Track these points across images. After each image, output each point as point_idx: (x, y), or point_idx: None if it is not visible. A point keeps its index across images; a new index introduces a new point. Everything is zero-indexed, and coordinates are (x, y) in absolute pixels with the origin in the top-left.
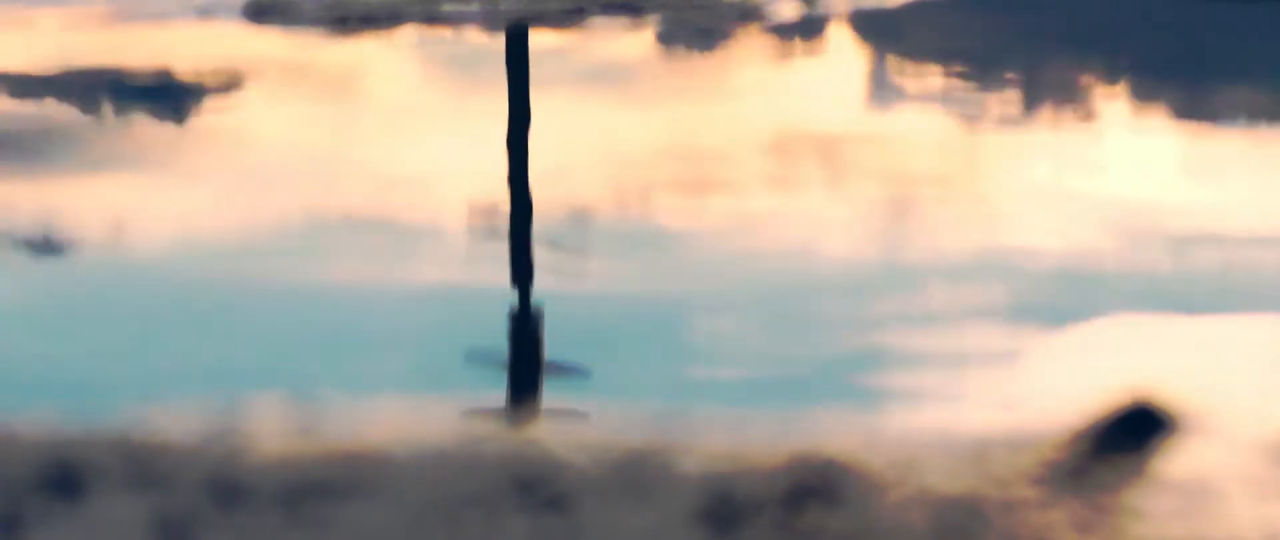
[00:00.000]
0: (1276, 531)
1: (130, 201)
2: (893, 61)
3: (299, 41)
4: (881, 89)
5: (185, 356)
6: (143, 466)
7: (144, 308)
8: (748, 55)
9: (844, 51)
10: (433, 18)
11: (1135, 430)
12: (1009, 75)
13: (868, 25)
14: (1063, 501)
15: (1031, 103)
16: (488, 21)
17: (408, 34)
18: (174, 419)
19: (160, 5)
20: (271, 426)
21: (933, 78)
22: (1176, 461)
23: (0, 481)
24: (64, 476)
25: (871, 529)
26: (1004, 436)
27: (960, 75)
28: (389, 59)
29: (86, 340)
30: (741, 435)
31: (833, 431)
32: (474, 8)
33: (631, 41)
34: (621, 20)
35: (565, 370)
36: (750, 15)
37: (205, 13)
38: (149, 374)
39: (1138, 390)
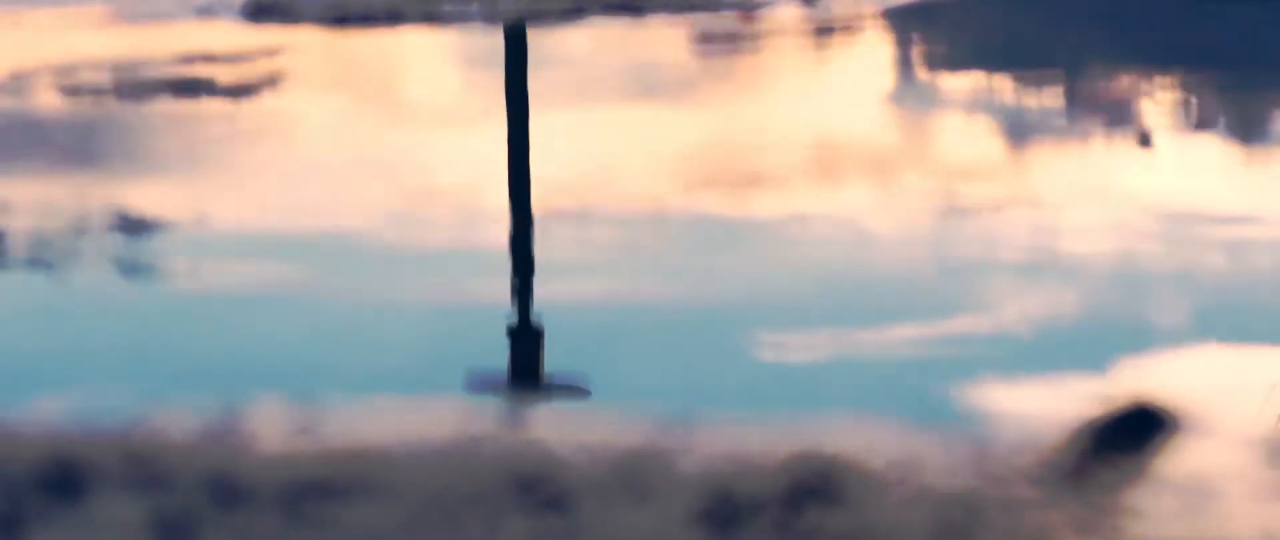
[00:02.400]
0: (1276, 531)
1: (178, 195)
2: (929, 58)
3: (343, 36)
4: (917, 86)
5: (186, 355)
6: (143, 466)
7: (151, 305)
8: (785, 55)
9: (879, 49)
10: (432, 17)
11: (1135, 430)
12: (1048, 71)
13: (902, 22)
14: (1063, 501)
15: (1072, 98)
16: (487, 21)
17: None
18: (174, 419)
19: (160, 5)
20: (271, 426)
21: (970, 75)
22: (1176, 461)
23: (0, 481)
24: (64, 476)
25: (871, 529)
26: (1004, 436)
27: (998, 71)
28: (431, 53)
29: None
30: (741, 435)
31: (833, 431)
32: (473, 7)
33: (667, 40)
34: (622, 19)
35: (565, 387)
36: (752, 15)
37: (205, 13)
38: (149, 374)
39: (1138, 390)
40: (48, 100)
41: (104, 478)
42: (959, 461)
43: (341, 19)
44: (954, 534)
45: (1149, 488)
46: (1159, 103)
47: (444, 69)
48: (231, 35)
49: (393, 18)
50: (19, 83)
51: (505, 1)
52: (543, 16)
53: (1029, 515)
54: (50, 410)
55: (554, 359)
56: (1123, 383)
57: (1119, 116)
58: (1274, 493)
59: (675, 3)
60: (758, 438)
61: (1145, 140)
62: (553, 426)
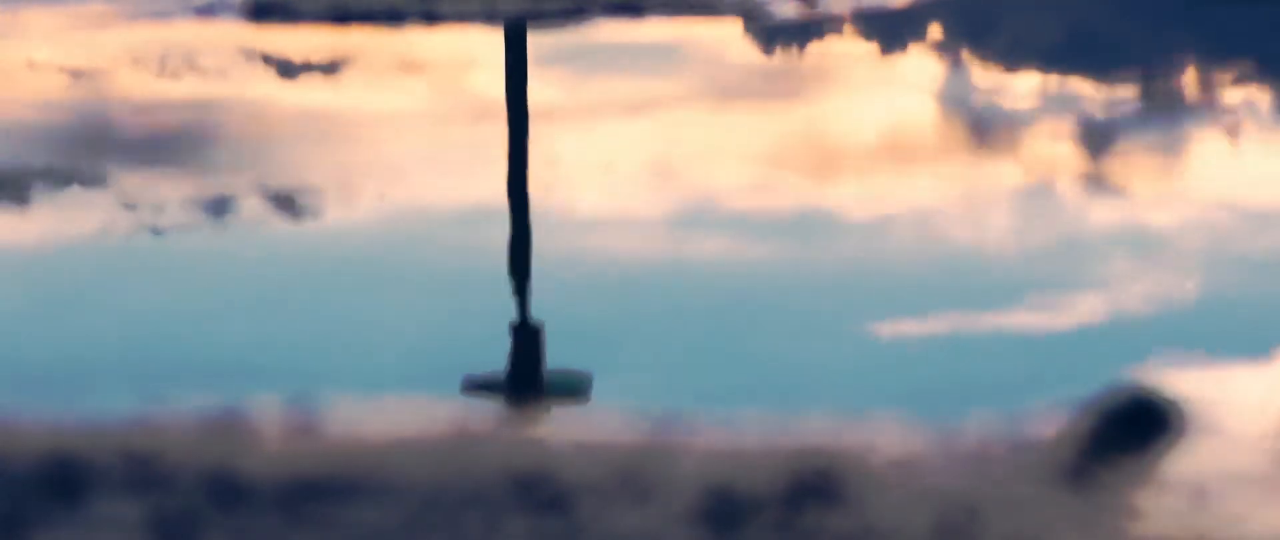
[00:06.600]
0: (1277, 531)
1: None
2: (985, 54)
3: (390, 32)
4: (981, 78)
5: (186, 355)
6: (143, 466)
7: (147, 306)
8: (844, 50)
9: (935, 45)
10: (432, 16)
11: (1135, 430)
12: (1113, 66)
13: (961, 17)
14: (1063, 501)
15: (1150, 90)
16: (487, 21)
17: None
18: (174, 419)
19: (160, 5)
20: (271, 426)
21: (1030, 70)
22: (1176, 461)
23: (0, 481)
24: (64, 476)
25: (871, 529)
26: (1004, 436)
27: (1070, 63)
28: (483, 50)
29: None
30: (741, 435)
31: (833, 431)
32: (473, 7)
33: (721, 36)
34: (622, 19)
35: (567, 382)
36: (752, 14)
37: (205, 12)
38: (149, 373)
39: (1138, 389)
40: (78, 95)
41: (104, 478)
42: (958, 461)
43: (342, 18)
44: (954, 534)
45: (1149, 487)
46: (1241, 96)
47: (449, 69)
48: (236, 34)
49: (393, 17)
50: (71, 80)
51: (505, 1)
52: (543, 16)
53: (1029, 515)
54: (49, 410)
55: (569, 358)
56: (1156, 380)
57: (1198, 108)
58: (1274, 493)
59: (675, 3)
60: (754, 437)
61: (1230, 133)
62: (553, 426)
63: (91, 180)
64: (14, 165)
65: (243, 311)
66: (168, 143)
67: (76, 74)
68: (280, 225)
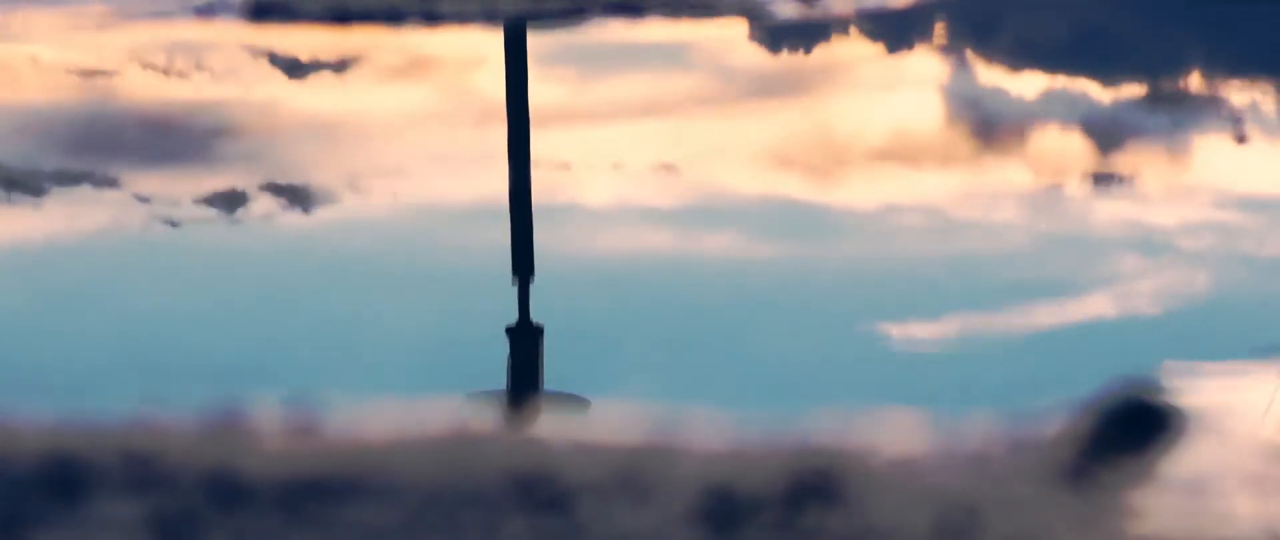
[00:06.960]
0: (1276, 531)
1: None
2: (988, 53)
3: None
4: (976, 82)
5: (185, 355)
6: (143, 466)
7: (149, 309)
8: (846, 50)
9: (937, 44)
10: (432, 16)
11: (1135, 430)
12: (1117, 66)
13: (962, 16)
14: (1063, 501)
15: (1157, 92)
16: (487, 21)
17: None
18: (174, 419)
19: (160, 5)
20: (271, 426)
21: (1032, 70)
22: (1176, 461)
23: (0, 481)
24: (64, 476)
25: (871, 529)
26: (1004, 436)
27: (1076, 64)
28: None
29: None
30: (741, 435)
31: (833, 431)
32: (473, 7)
33: (722, 36)
34: (622, 19)
35: (564, 398)
36: (753, 14)
37: (205, 12)
38: (149, 373)
39: (1138, 390)
40: (88, 95)
41: (104, 478)
42: (958, 461)
43: (342, 18)
44: (954, 534)
45: (1149, 487)
46: (1249, 99)
47: (449, 69)
48: (236, 34)
49: (393, 17)
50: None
51: (505, 1)
52: (543, 16)
53: (1029, 515)
54: (49, 410)
55: (570, 357)
56: (1156, 380)
57: (1202, 107)
58: (1274, 492)
59: (675, 3)
60: (754, 437)
61: (1238, 136)
62: (553, 426)
63: (93, 179)
64: (14, 164)
65: (242, 310)
66: (167, 142)
67: (78, 74)
68: (280, 224)
